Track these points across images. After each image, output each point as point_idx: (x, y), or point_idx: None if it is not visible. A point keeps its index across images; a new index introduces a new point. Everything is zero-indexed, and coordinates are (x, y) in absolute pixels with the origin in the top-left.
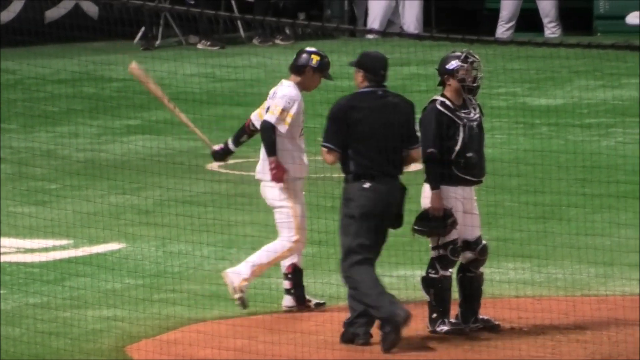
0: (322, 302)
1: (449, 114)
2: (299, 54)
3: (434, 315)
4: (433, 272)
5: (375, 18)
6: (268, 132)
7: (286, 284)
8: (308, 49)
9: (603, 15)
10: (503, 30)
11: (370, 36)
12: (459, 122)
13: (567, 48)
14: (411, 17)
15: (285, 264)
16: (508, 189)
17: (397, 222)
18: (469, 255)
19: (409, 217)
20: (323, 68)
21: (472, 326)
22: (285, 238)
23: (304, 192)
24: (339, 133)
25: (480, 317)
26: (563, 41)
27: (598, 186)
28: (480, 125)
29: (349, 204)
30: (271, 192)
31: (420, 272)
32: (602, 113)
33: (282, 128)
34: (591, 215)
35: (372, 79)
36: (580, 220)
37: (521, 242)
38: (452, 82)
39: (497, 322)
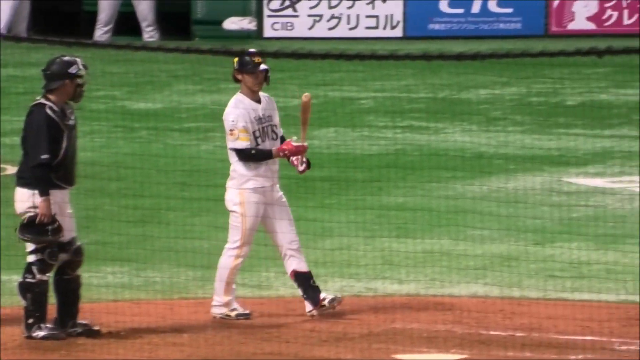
0: (335, 296)
1: (56, 119)
2: None
3: (30, 320)
4: (30, 276)
5: None
6: None
7: (299, 291)
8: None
9: (201, 20)
10: (101, 33)
11: None
12: (64, 128)
13: (165, 52)
14: None
15: (287, 272)
16: (107, 192)
17: None
18: (64, 256)
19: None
20: (244, 65)
21: (70, 331)
22: (228, 246)
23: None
24: None
25: (79, 321)
26: (161, 45)
27: (197, 190)
28: (75, 131)
29: None
30: (229, 196)
31: (17, 277)
32: (201, 117)
33: (243, 144)
34: (190, 218)
35: None
36: (180, 224)
37: (120, 246)
38: (69, 85)
39: (95, 327)
